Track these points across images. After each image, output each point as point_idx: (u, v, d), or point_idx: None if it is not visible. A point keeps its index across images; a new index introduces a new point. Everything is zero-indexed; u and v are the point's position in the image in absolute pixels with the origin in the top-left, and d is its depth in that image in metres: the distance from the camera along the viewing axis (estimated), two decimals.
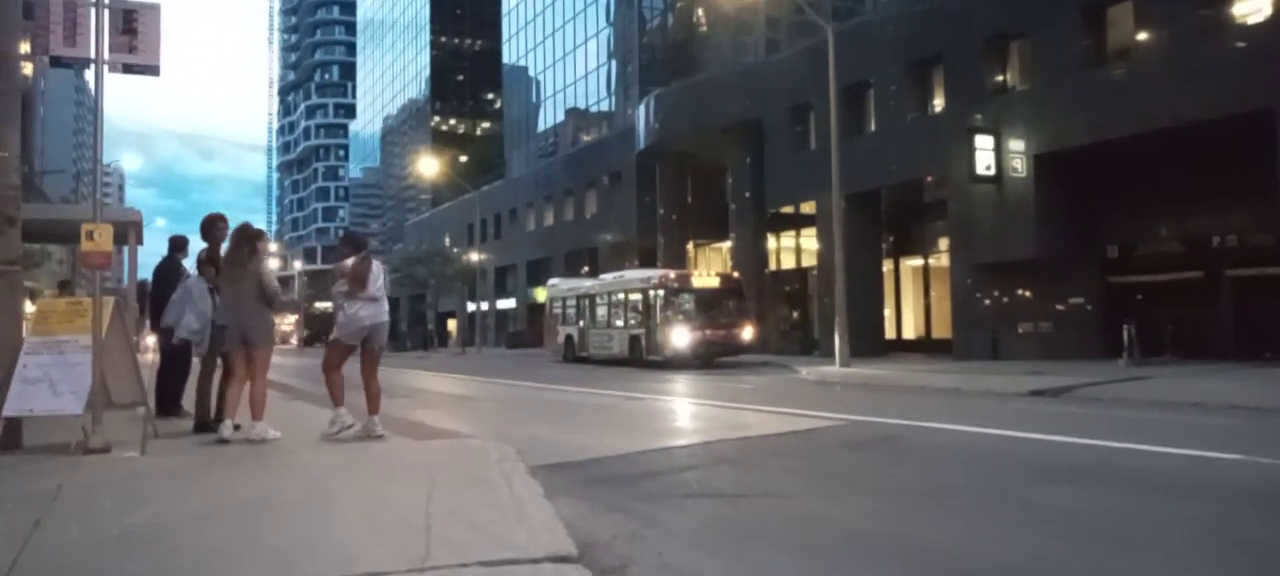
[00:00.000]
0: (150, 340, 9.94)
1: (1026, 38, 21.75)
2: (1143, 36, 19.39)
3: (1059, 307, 21.42)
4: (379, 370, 8.03)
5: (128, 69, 7.28)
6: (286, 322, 70.69)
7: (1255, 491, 5.92)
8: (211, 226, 8.86)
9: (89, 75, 7.52)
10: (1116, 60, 19.84)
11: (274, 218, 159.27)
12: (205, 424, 8.25)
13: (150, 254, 12.76)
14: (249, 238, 7.87)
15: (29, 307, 8.83)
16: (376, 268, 7.89)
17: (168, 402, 9.30)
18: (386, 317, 7.97)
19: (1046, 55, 20.98)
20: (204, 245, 8.83)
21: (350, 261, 7.74)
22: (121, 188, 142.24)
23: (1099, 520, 5.11)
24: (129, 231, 8.94)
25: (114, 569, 3.73)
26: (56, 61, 7.31)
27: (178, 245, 9.85)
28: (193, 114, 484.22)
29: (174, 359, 9.60)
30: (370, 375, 7.91)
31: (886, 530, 4.99)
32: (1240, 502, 5.54)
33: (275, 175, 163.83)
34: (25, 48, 7.84)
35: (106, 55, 7.04)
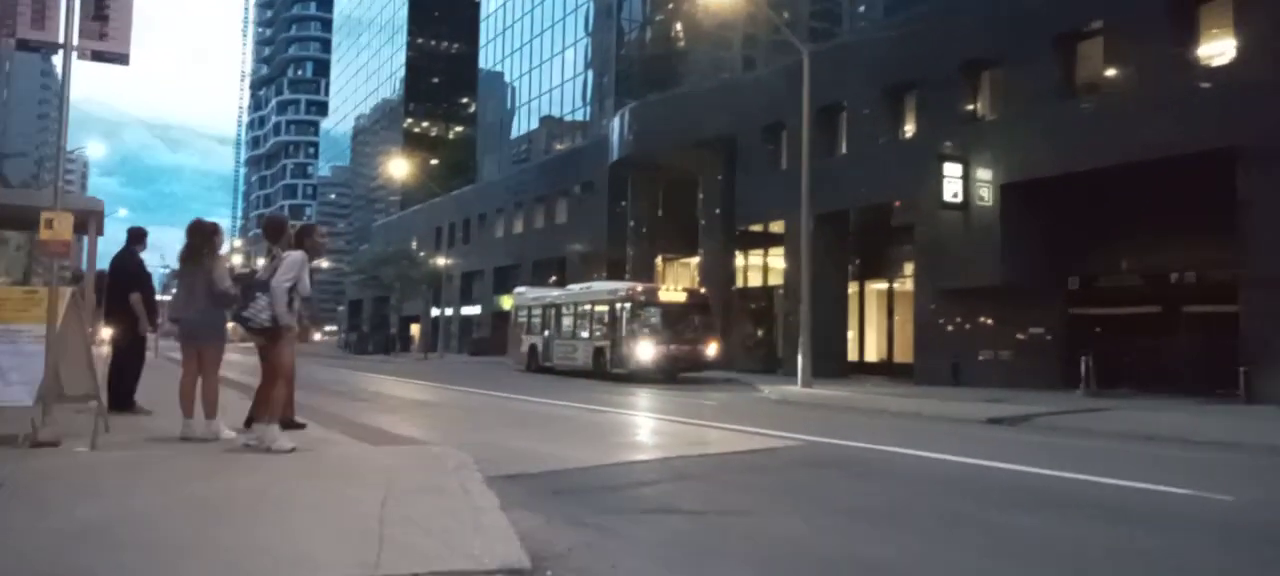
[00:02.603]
0: (105, 333, 9.76)
1: (998, 67, 22.00)
2: (1111, 72, 19.70)
3: (1020, 336, 21.66)
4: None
5: (97, 56, 7.11)
6: None
7: (1202, 523, 6.03)
8: (282, 228, 8.77)
9: (57, 59, 7.36)
10: (1086, 93, 20.14)
11: (239, 212, 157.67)
12: (291, 421, 8.06)
13: (112, 243, 12.56)
14: (205, 234, 7.76)
15: None
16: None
17: (121, 398, 9.14)
18: None
19: (1017, 86, 21.24)
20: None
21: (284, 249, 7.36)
22: (84, 175, 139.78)
23: (1051, 546, 5.18)
24: (90, 221, 8.80)
25: (61, 562, 3.66)
26: (23, 45, 7.16)
27: (136, 237, 9.68)
28: (162, 103, 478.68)
29: (128, 354, 9.45)
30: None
31: (841, 549, 5.02)
32: (1187, 533, 5.66)
33: (243, 169, 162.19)
34: None
35: (76, 41, 6.90)
